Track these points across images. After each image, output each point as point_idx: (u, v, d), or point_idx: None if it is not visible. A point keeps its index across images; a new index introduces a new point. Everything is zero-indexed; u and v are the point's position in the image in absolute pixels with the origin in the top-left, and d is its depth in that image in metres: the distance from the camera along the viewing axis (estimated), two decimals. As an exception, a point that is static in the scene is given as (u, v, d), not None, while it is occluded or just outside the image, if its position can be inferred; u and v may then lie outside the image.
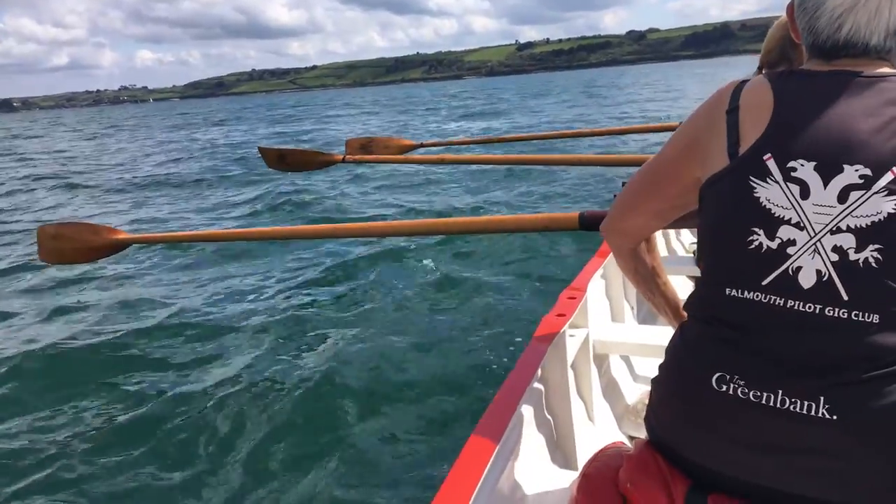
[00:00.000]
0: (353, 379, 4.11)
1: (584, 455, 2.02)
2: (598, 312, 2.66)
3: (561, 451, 2.08)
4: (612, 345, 2.48)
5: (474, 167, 11.71)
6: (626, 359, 2.83)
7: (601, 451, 1.41)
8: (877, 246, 1.01)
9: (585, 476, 1.33)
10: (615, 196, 1.45)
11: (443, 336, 4.64)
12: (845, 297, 1.02)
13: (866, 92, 1.08)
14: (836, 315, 1.03)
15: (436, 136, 23.11)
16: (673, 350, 1.22)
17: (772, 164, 1.07)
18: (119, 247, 3.01)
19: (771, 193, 1.07)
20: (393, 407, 3.72)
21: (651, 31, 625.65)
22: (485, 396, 3.30)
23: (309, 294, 6.00)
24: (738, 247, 1.09)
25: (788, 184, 1.06)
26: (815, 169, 1.04)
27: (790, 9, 1.21)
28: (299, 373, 4.25)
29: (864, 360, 1.03)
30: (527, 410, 1.86)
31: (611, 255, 2.71)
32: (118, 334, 5.26)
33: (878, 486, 1.04)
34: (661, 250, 3.85)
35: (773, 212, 1.07)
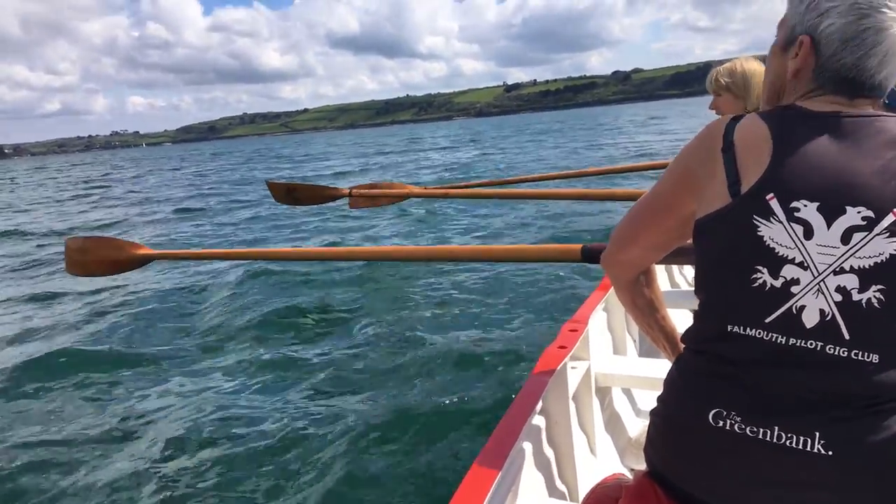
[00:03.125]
0: (352, 406, 4.12)
1: (584, 487, 2.01)
2: (600, 345, 2.66)
3: (563, 482, 2.07)
4: (614, 377, 2.46)
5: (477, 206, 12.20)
6: (627, 392, 2.83)
7: (601, 482, 1.41)
8: (879, 287, 1.02)
9: None
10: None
11: (443, 364, 4.65)
12: (847, 337, 1.03)
13: (865, 132, 1.09)
14: (836, 353, 1.04)
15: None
16: (670, 384, 1.22)
17: (775, 204, 1.06)
18: (142, 262, 3.08)
19: (774, 233, 1.06)
20: (393, 436, 3.72)
21: (636, 71, 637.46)
22: (485, 428, 3.31)
23: (310, 317, 6.04)
24: (741, 284, 1.09)
25: (792, 224, 1.05)
26: (819, 210, 1.04)
27: (809, 40, 1.14)
28: (295, 401, 4.26)
29: (861, 397, 1.04)
30: (528, 442, 1.85)
31: (613, 287, 2.78)
32: (129, 342, 5.42)
33: None
34: (664, 284, 3.86)
35: (776, 251, 1.06)
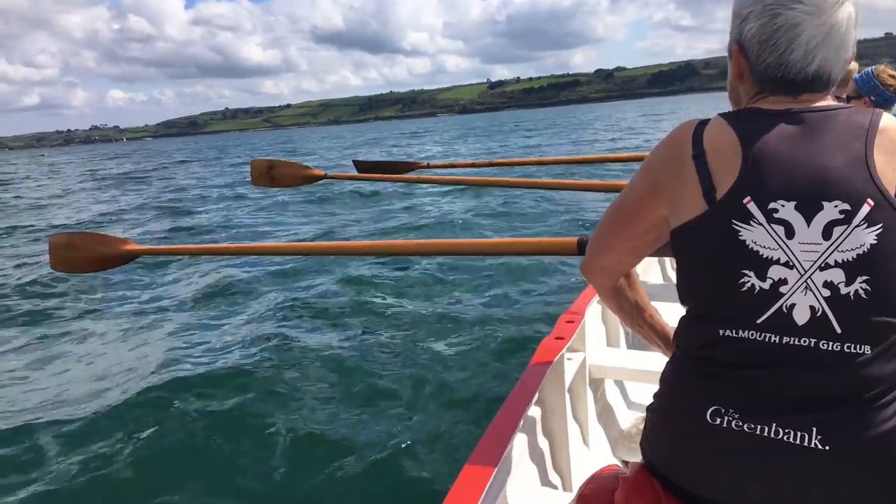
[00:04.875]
0: (351, 398, 4.14)
1: (579, 478, 2.03)
2: (595, 337, 2.66)
3: (557, 473, 2.09)
4: (608, 369, 2.48)
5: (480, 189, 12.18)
6: (620, 384, 2.84)
7: (597, 472, 1.41)
8: (865, 277, 1.03)
9: (581, 497, 1.33)
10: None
11: (441, 356, 4.69)
12: (839, 331, 1.04)
13: (829, 125, 1.09)
14: (829, 348, 1.04)
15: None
16: (667, 382, 1.23)
17: (753, 207, 1.07)
18: (128, 257, 3.03)
19: (756, 236, 1.07)
20: (390, 427, 3.74)
21: (618, 69, 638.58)
22: (482, 418, 3.34)
23: (305, 315, 6.00)
24: (729, 289, 1.09)
25: (772, 225, 1.06)
26: (797, 208, 1.05)
27: (737, 47, 1.19)
28: (296, 396, 4.27)
29: (856, 390, 1.04)
30: (524, 433, 1.86)
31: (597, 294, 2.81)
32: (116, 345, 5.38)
33: None
34: (657, 278, 3.86)
35: (761, 253, 1.07)
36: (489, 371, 4.37)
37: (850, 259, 1.03)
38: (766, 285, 1.06)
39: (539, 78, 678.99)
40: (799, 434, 1.04)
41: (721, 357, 1.11)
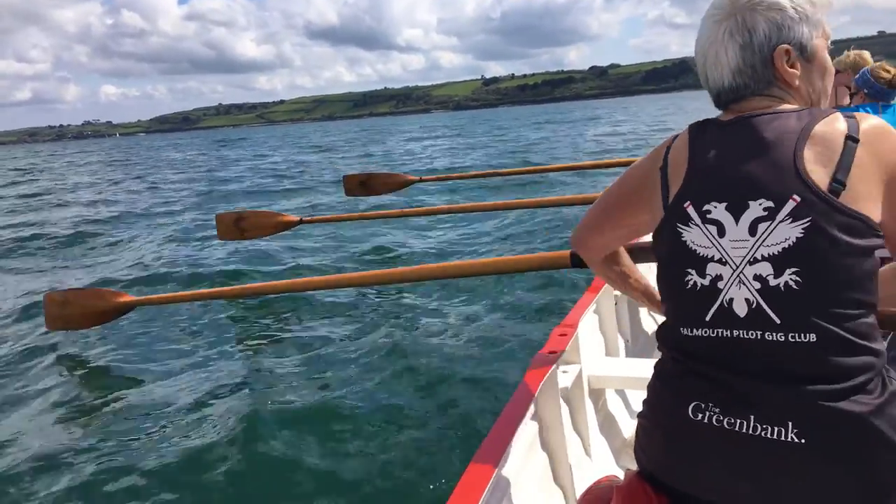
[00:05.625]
0: (346, 412, 4.10)
1: (581, 489, 1.98)
2: (592, 347, 2.64)
3: (558, 485, 2.08)
4: (607, 379, 2.47)
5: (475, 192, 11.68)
6: (621, 392, 2.80)
7: (594, 484, 1.44)
8: (794, 269, 1.08)
9: None
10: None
11: (436, 373, 4.61)
12: (777, 321, 1.09)
13: (764, 130, 1.17)
14: (775, 339, 1.09)
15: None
16: (651, 387, 1.29)
17: (691, 210, 1.18)
18: (124, 310, 2.97)
19: (694, 236, 1.17)
20: (385, 441, 3.71)
21: (612, 66, 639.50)
22: (478, 435, 3.22)
23: (302, 337, 5.84)
24: (680, 288, 1.20)
25: (707, 225, 1.16)
26: (727, 209, 1.14)
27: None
28: (296, 403, 4.26)
29: (821, 381, 1.07)
30: (520, 446, 1.84)
31: (603, 289, 2.78)
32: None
33: None
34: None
35: (698, 252, 1.16)
36: (483, 388, 4.32)
37: (777, 252, 1.10)
38: (706, 282, 1.16)
39: (533, 75, 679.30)
40: (776, 429, 1.07)
41: (690, 355, 1.19)
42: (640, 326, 3.45)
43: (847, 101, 5.30)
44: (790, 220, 1.09)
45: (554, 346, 2.16)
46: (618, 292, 2.89)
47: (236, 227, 4.31)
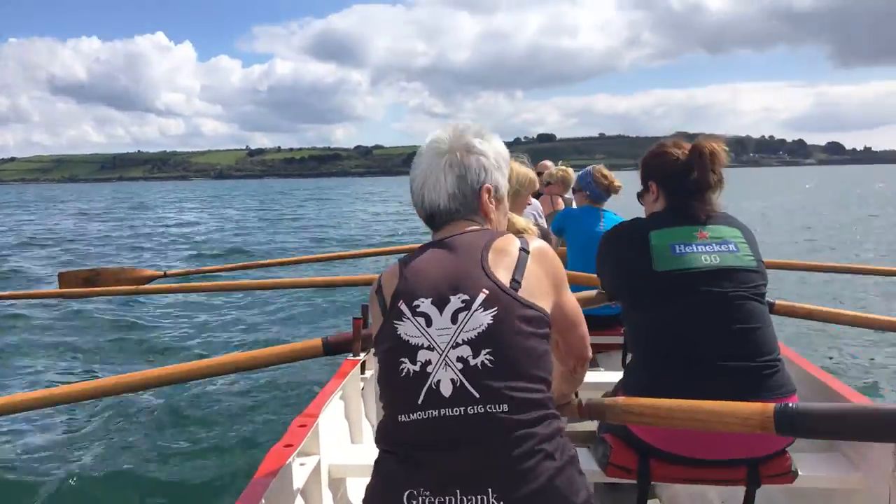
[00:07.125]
0: None
1: None
2: (334, 436, 2.58)
3: None
4: (349, 468, 2.44)
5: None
6: (365, 480, 2.84)
7: None
8: (488, 350, 1.29)
9: None
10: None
11: (159, 487, 4.39)
12: (477, 395, 1.27)
13: (461, 244, 1.44)
14: (476, 411, 1.25)
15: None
16: (373, 475, 1.39)
17: (403, 307, 1.38)
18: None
19: (406, 328, 1.35)
20: None
21: (377, 147, 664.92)
22: None
23: None
24: (395, 378, 1.34)
25: (416, 317, 1.35)
26: (433, 303, 1.35)
27: None
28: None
29: (513, 445, 1.24)
30: None
31: (350, 375, 2.76)
32: None
33: None
34: None
35: (410, 342, 1.33)
36: (209, 493, 4.21)
37: (474, 336, 1.31)
38: (416, 367, 1.32)
39: (301, 149, 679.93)
40: (479, 497, 1.21)
41: (404, 444, 1.31)
42: None
43: (561, 204, 6.31)
44: (482, 308, 1.33)
45: (290, 440, 2.09)
46: (365, 376, 2.98)
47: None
